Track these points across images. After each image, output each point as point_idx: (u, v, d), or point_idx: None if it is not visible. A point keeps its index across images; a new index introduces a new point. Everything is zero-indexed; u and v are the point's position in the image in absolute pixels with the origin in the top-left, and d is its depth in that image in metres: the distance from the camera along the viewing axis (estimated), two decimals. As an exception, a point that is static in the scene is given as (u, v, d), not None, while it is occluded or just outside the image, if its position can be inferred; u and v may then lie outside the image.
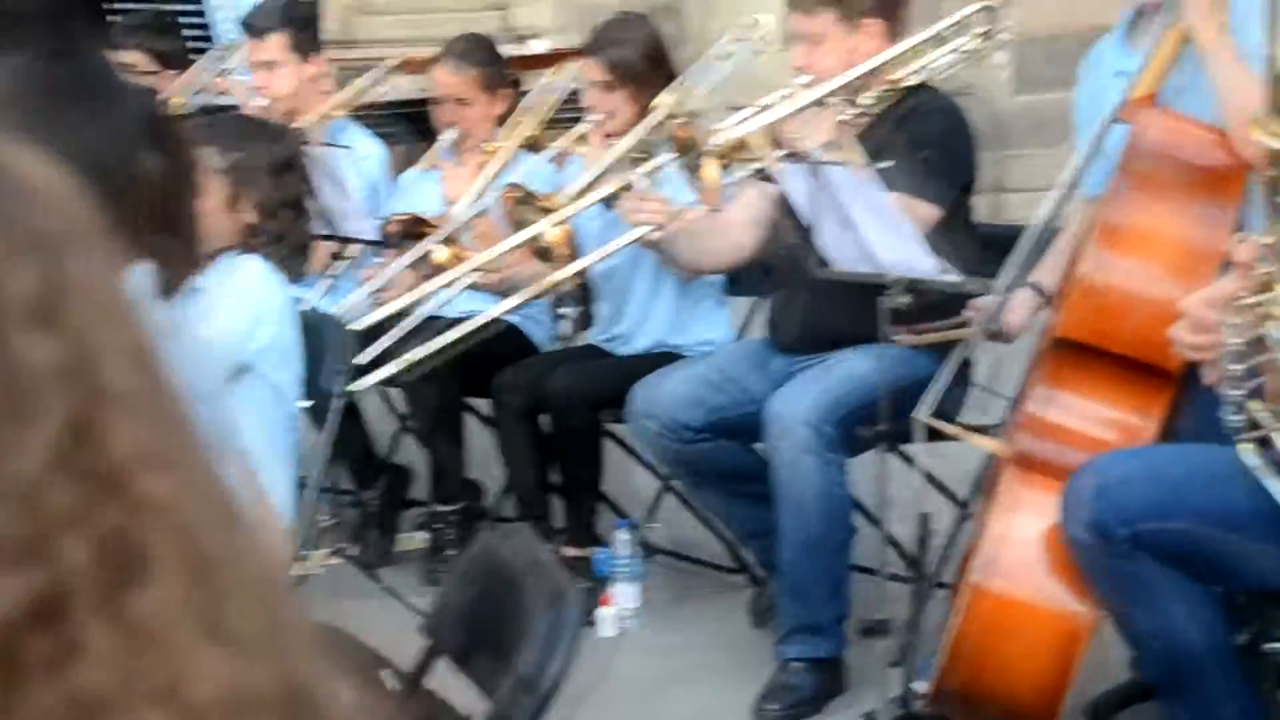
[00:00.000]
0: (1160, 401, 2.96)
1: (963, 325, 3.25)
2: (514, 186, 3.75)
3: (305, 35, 4.33)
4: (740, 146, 3.33)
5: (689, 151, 3.36)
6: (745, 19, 3.90)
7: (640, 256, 3.94)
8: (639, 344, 4.09)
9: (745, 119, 3.39)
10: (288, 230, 2.83)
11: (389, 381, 3.91)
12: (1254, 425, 2.44)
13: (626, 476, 4.29)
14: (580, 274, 3.81)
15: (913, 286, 2.90)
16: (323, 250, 3.92)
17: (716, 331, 4.06)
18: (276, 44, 4.29)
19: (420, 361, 3.57)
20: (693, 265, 3.84)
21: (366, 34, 5.97)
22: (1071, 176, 3.01)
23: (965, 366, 3.48)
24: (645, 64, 3.90)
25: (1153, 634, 2.67)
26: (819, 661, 3.50)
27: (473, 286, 3.88)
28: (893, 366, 3.48)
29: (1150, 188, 2.92)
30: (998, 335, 3.23)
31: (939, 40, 3.53)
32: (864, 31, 3.53)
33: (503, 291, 3.88)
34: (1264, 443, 2.46)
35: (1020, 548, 2.98)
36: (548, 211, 3.63)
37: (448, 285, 3.66)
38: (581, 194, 3.63)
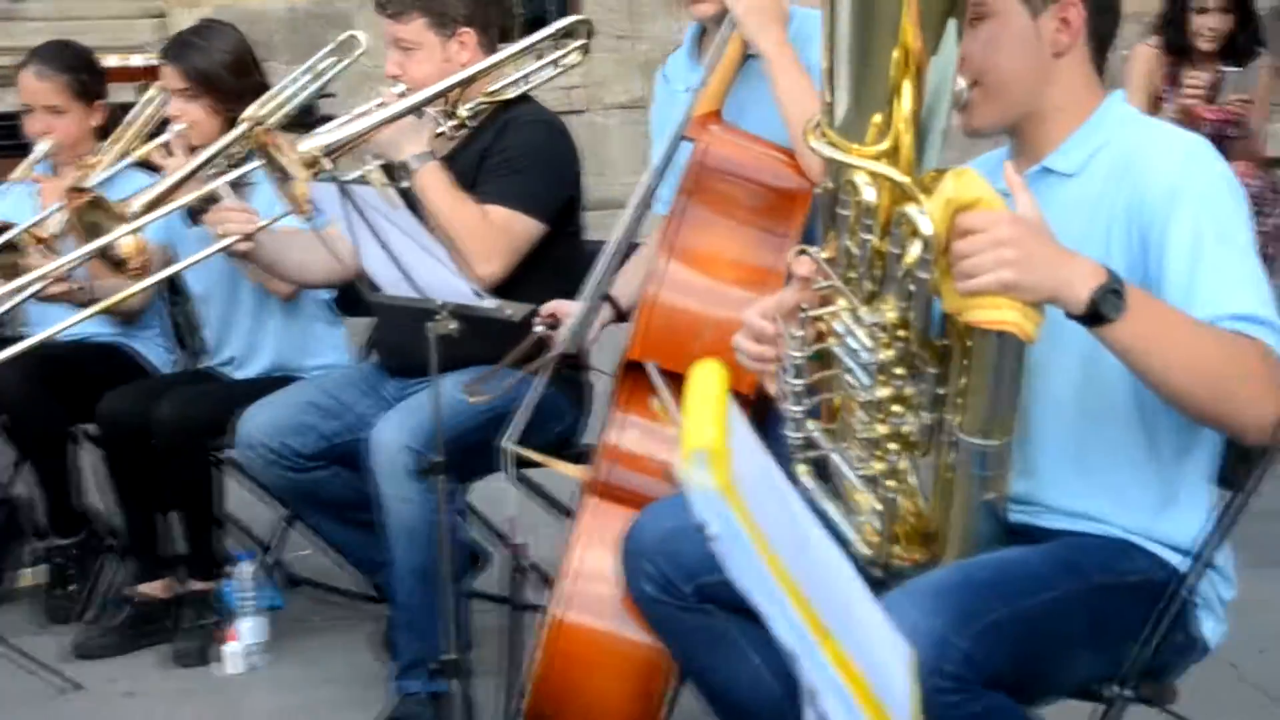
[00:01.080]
0: None
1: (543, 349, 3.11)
2: (81, 191, 3.53)
3: None
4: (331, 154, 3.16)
5: (274, 161, 3.17)
6: (340, 33, 3.75)
7: (241, 277, 3.75)
8: (253, 368, 3.90)
9: (334, 129, 3.23)
10: None
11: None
12: (810, 445, 2.34)
13: (253, 504, 4.09)
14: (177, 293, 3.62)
15: (459, 312, 2.76)
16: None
17: (332, 354, 3.89)
18: None
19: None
20: (293, 278, 3.66)
21: (11, 42, 5.70)
22: (643, 193, 2.89)
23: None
24: (226, 73, 3.71)
25: (731, 685, 2.54)
26: (437, 696, 3.35)
27: (51, 299, 3.68)
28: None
29: (714, 205, 2.83)
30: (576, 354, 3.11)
31: (536, 53, 3.42)
32: (459, 41, 3.40)
33: (85, 304, 3.68)
34: (820, 464, 2.35)
35: (599, 578, 2.87)
36: (121, 219, 3.42)
37: (17, 292, 3.46)
38: (156, 202, 3.42)
